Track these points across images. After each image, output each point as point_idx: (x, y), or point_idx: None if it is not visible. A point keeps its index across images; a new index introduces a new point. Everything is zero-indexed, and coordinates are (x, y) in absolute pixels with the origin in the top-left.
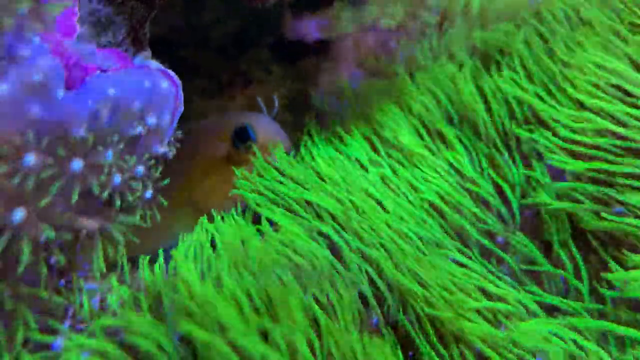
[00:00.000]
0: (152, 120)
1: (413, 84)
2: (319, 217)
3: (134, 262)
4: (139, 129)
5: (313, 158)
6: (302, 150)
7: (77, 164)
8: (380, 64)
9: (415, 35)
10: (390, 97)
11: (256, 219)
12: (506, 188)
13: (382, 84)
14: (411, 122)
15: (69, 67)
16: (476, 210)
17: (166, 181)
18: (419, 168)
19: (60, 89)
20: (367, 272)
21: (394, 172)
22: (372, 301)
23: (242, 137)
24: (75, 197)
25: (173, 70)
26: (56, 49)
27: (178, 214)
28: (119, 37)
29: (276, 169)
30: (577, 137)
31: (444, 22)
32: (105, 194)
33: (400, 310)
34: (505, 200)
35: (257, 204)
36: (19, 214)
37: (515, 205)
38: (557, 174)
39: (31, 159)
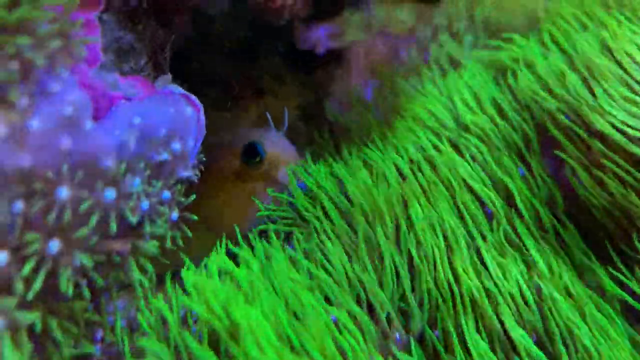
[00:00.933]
0: (176, 146)
1: (426, 93)
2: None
3: (159, 280)
4: (165, 155)
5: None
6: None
7: (110, 194)
8: (392, 71)
9: (426, 41)
10: (403, 106)
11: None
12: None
13: (394, 92)
14: (425, 132)
15: (96, 98)
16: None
17: (191, 198)
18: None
19: (89, 121)
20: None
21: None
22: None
23: (251, 153)
24: (113, 228)
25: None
26: (83, 80)
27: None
28: (141, 62)
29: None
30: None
31: (454, 26)
32: (135, 219)
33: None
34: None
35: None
36: (56, 245)
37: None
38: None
39: (65, 192)
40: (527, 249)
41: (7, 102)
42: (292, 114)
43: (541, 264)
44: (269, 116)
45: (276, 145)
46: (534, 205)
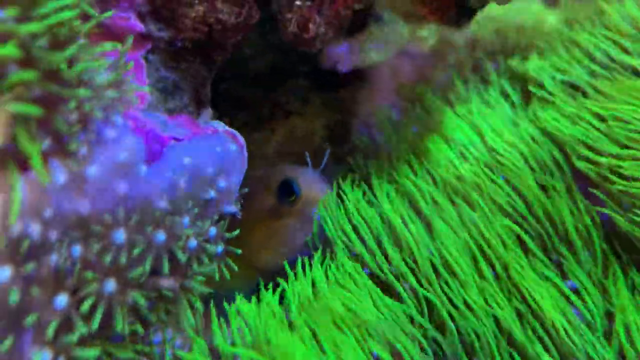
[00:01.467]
0: (222, 183)
1: (453, 115)
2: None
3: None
4: (212, 193)
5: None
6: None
7: (161, 236)
8: (418, 92)
9: (451, 59)
10: (433, 128)
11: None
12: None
13: (421, 113)
14: (457, 155)
15: (148, 141)
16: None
17: (234, 233)
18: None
19: (143, 165)
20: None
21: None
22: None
23: (286, 191)
24: (165, 269)
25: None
26: (136, 125)
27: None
28: (185, 99)
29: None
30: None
31: (476, 46)
32: (185, 258)
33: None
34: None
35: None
36: (111, 285)
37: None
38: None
39: (121, 235)
40: (576, 278)
41: (67, 152)
42: (319, 135)
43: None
44: (307, 155)
45: (311, 184)
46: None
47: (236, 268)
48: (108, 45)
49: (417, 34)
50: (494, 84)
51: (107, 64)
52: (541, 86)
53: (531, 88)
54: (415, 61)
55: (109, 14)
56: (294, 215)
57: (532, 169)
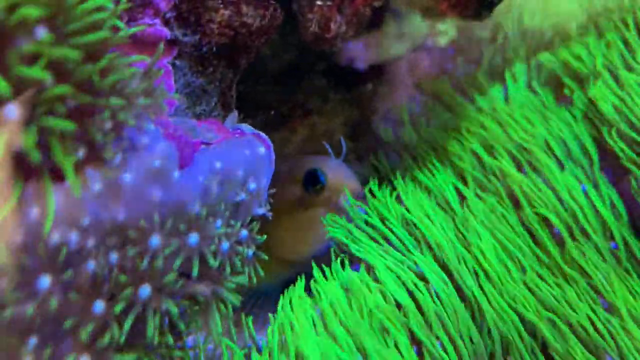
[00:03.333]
0: (252, 185)
1: (478, 108)
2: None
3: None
4: (242, 196)
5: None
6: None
7: (194, 238)
8: (439, 86)
9: (472, 52)
10: (456, 123)
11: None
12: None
13: (443, 109)
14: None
15: (180, 147)
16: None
17: (263, 238)
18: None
19: (176, 171)
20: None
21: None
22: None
23: (313, 180)
24: (195, 272)
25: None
26: (167, 131)
27: None
28: (212, 103)
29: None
30: None
31: (498, 37)
32: (217, 263)
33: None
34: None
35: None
36: (146, 291)
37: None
38: None
39: (157, 240)
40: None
41: (102, 160)
42: (339, 132)
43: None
44: (327, 146)
45: (336, 172)
46: (604, 221)
47: (262, 273)
48: (139, 57)
49: (435, 28)
50: (520, 77)
51: (138, 72)
52: (578, 75)
53: (566, 80)
54: (434, 55)
55: (139, 28)
56: (321, 204)
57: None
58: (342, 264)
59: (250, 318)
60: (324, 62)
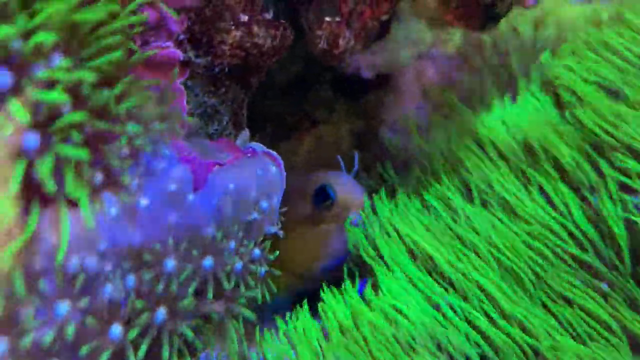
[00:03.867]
0: (265, 204)
1: (485, 119)
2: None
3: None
4: (255, 215)
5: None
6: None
7: (209, 262)
8: (445, 96)
9: (477, 61)
10: (463, 134)
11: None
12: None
13: (449, 119)
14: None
15: (194, 169)
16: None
17: (276, 254)
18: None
19: (190, 194)
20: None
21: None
22: None
23: (322, 197)
24: (210, 295)
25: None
26: (182, 154)
27: None
28: (224, 123)
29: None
30: None
31: (502, 46)
32: (231, 285)
33: None
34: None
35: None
36: (162, 315)
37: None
38: None
39: (172, 263)
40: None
41: (119, 185)
42: (346, 142)
43: None
44: (340, 159)
45: (346, 188)
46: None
47: (274, 289)
48: (153, 80)
49: (441, 36)
50: (523, 87)
51: (153, 95)
52: (573, 91)
53: (562, 92)
54: (440, 64)
55: (153, 51)
56: (331, 220)
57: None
58: (353, 277)
59: (267, 334)
60: (329, 72)
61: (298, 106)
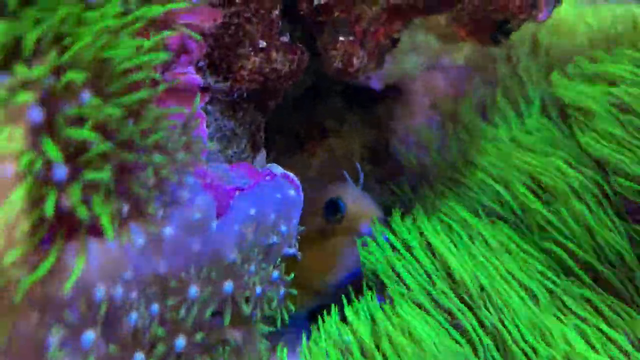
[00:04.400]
0: (284, 227)
1: (492, 135)
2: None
3: None
4: (274, 239)
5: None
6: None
7: (229, 287)
8: (456, 106)
9: (488, 72)
10: (472, 148)
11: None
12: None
13: (461, 133)
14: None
15: (216, 196)
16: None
17: (291, 277)
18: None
19: (214, 221)
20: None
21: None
22: None
23: (333, 210)
24: (227, 320)
25: None
26: (205, 181)
27: None
28: (242, 145)
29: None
30: None
31: (512, 56)
32: (250, 308)
33: None
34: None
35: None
36: (182, 342)
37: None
38: None
39: (195, 290)
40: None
41: (145, 215)
42: (357, 154)
43: None
44: (346, 174)
45: (356, 200)
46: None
47: (293, 309)
48: (176, 109)
49: (451, 48)
50: (534, 101)
51: (177, 124)
52: (580, 108)
53: (570, 111)
54: (451, 75)
55: (177, 81)
56: (342, 233)
57: (578, 195)
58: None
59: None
60: (339, 84)
61: (310, 119)
